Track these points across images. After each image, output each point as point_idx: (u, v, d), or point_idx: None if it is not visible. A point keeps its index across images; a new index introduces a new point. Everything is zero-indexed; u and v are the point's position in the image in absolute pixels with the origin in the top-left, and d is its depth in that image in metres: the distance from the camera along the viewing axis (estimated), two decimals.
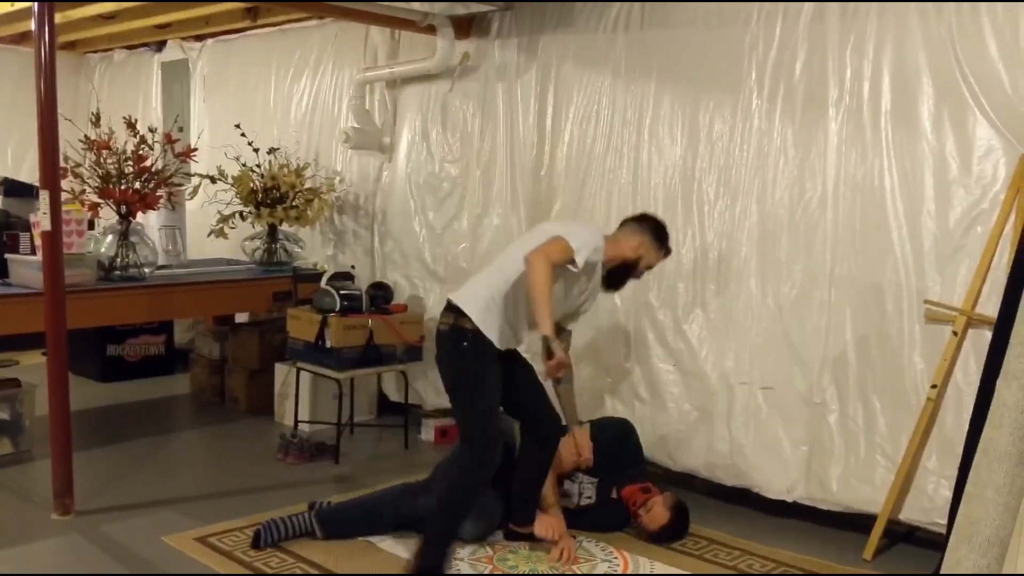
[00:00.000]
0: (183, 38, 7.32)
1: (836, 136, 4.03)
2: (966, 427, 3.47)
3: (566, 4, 4.95)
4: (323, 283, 5.27)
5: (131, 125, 5.06)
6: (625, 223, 3.82)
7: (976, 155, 3.70)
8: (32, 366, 6.50)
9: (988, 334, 3.53)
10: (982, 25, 3.64)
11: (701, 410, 4.45)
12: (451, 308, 3.53)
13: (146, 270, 5.23)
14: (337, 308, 5.07)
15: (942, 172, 3.77)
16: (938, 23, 3.75)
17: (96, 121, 4.98)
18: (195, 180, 5.80)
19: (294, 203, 5.88)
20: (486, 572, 3.66)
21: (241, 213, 5.90)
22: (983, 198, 3.69)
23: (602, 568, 3.73)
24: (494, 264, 3.71)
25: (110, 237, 5.19)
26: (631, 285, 4.64)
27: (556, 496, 3.99)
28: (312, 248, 6.30)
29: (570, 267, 3.45)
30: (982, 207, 3.69)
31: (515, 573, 3.66)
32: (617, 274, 3.73)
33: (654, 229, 3.75)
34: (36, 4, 3.91)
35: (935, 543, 3.72)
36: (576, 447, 4.16)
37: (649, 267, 3.78)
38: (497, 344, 3.48)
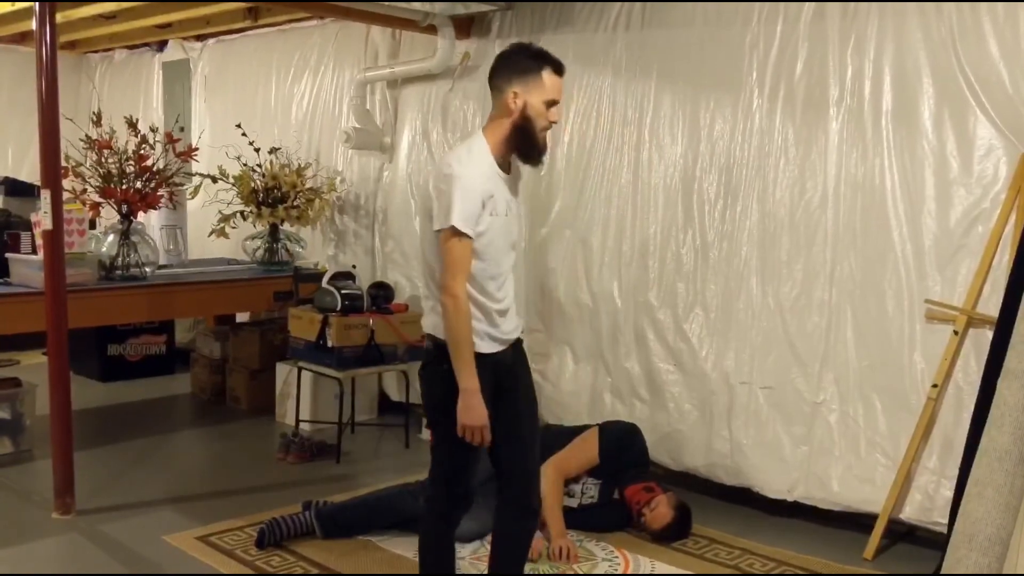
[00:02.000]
0: (184, 38, 7.33)
1: (837, 136, 4.03)
2: (967, 426, 3.48)
3: (566, 4, 4.95)
4: (324, 283, 5.27)
5: (132, 125, 5.07)
6: (492, 91, 2.92)
7: (977, 155, 3.71)
8: (32, 366, 6.50)
9: (989, 334, 3.54)
10: (983, 25, 3.64)
11: (701, 410, 4.45)
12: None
13: (147, 269, 5.23)
14: (338, 308, 5.08)
15: (943, 172, 3.78)
16: (939, 23, 3.75)
17: (97, 121, 4.99)
18: (196, 180, 5.80)
19: (295, 203, 5.88)
20: (487, 572, 3.65)
21: (242, 213, 5.91)
22: (984, 198, 3.69)
23: (603, 567, 3.73)
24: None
25: (111, 236, 5.19)
26: (631, 286, 4.66)
27: (561, 525, 3.92)
28: (313, 248, 6.31)
29: (479, 243, 2.79)
30: (983, 207, 3.69)
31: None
32: (522, 145, 2.83)
33: (515, 61, 2.84)
34: (37, 4, 3.91)
35: (936, 542, 3.72)
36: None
37: (551, 104, 2.80)
38: (481, 350, 2.85)
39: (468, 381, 2.73)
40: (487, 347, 2.84)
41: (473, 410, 2.74)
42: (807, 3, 4.11)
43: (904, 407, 3.87)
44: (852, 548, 3.92)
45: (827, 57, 4.04)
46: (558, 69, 2.82)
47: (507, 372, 2.92)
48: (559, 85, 2.82)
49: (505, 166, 2.86)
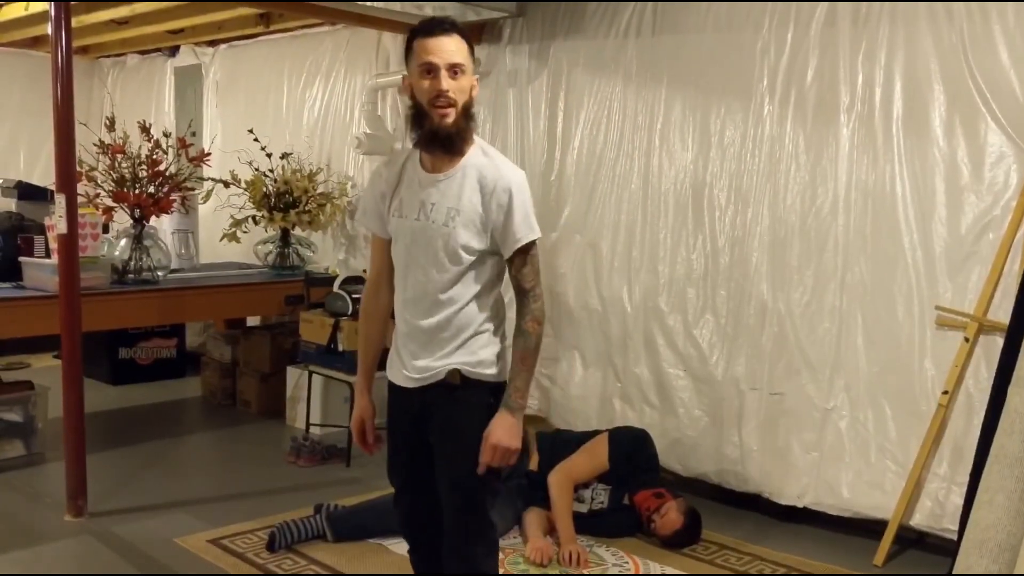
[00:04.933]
0: (196, 43, 7.36)
1: (847, 142, 4.04)
2: (977, 433, 3.46)
3: (576, 11, 4.97)
4: (335, 287, 5.29)
5: (145, 130, 5.10)
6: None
7: (988, 161, 3.71)
8: (43, 368, 6.54)
9: (1000, 340, 3.53)
10: (993, 32, 3.64)
11: (711, 415, 4.45)
12: None
13: (159, 273, 5.26)
14: (349, 312, 5.09)
15: (953, 178, 3.78)
16: (949, 30, 3.75)
17: (111, 125, 5.02)
18: (208, 184, 5.83)
19: (306, 207, 5.91)
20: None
21: (254, 217, 5.94)
22: (995, 205, 3.69)
23: (613, 572, 3.74)
24: None
25: (124, 241, 5.22)
26: (641, 291, 4.67)
27: (570, 531, 3.92)
28: (324, 252, 6.33)
29: (376, 233, 2.61)
30: (994, 213, 3.69)
31: (526, 574, 3.68)
32: (417, 126, 2.44)
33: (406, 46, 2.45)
34: (52, 7, 3.94)
35: (946, 549, 3.71)
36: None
37: (427, 69, 2.36)
38: (392, 378, 2.61)
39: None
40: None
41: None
42: (818, 10, 4.11)
43: (914, 413, 3.86)
44: (862, 555, 3.91)
45: (838, 64, 4.05)
46: (430, 30, 2.37)
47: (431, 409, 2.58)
48: (431, 45, 2.35)
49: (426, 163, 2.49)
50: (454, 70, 2.37)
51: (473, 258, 2.45)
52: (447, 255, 2.43)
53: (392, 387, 2.61)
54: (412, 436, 2.58)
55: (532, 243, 2.47)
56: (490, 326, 2.54)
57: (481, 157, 2.47)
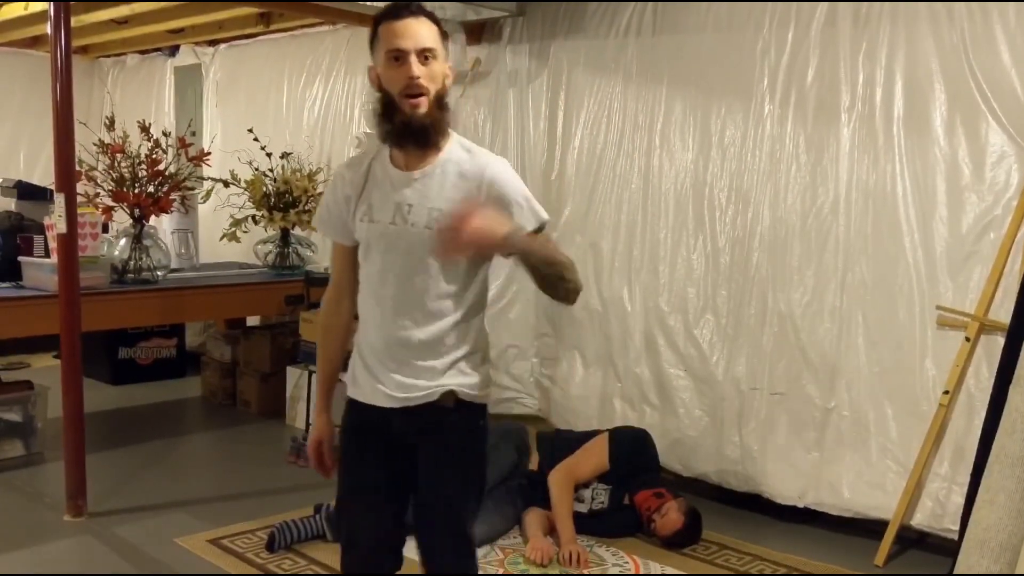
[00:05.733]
0: (196, 43, 7.36)
1: (848, 142, 4.03)
2: (978, 433, 3.46)
3: (577, 11, 4.96)
4: None
5: (145, 129, 5.09)
6: None
7: (989, 161, 3.70)
8: (43, 368, 6.54)
9: (1001, 340, 3.52)
10: (994, 31, 3.64)
11: (712, 415, 4.45)
12: None
13: (159, 273, 5.25)
14: None
15: (954, 178, 3.77)
16: (950, 29, 3.75)
17: (110, 125, 5.01)
18: (208, 184, 5.82)
19: (306, 207, 5.90)
20: (499, 573, 3.66)
21: (253, 217, 5.93)
22: (996, 204, 3.69)
23: (613, 572, 3.73)
24: None
25: (123, 240, 5.21)
26: (642, 291, 4.66)
27: (571, 531, 3.91)
28: (324, 252, 6.31)
29: (339, 240, 2.38)
30: (995, 213, 3.69)
31: (527, 574, 3.68)
32: (387, 119, 2.21)
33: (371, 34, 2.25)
34: (52, 6, 3.94)
35: (947, 549, 3.71)
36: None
37: (394, 55, 2.16)
38: (358, 396, 2.39)
39: None
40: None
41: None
42: (818, 10, 4.11)
43: (915, 413, 3.86)
44: (863, 555, 3.91)
45: (838, 63, 4.05)
46: (396, 14, 2.18)
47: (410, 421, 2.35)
48: (398, 29, 2.16)
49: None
50: (425, 55, 2.16)
51: (460, 264, 2.24)
52: (434, 261, 2.21)
53: (358, 406, 2.36)
54: (382, 458, 2.34)
55: (542, 226, 2.26)
56: (481, 343, 2.34)
57: (460, 152, 2.26)
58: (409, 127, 2.17)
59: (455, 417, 2.29)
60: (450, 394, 2.26)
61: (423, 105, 2.16)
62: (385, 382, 2.28)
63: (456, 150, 2.26)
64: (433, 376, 2.25)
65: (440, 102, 2.20)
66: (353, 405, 2.39)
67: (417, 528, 2.37)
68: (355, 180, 2.30)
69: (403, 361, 2.26)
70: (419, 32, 2.17)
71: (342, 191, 2.32)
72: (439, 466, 2.32)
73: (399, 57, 2.15)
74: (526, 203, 2.25)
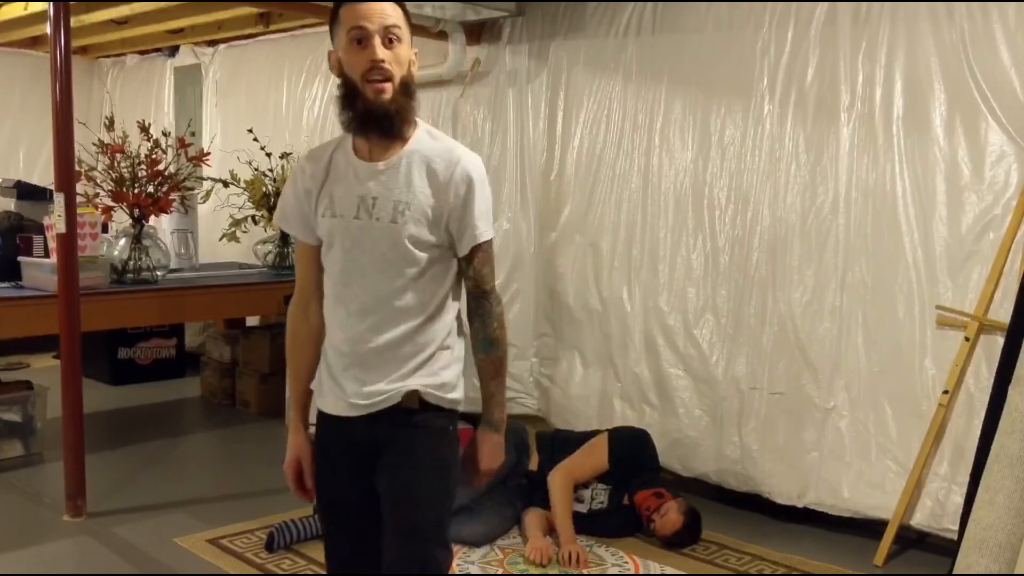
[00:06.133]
0: (196, 43, 7.36)
1: (848, 141, 4.03)
2: (977, 433, 3.46)
3: (576, 10, 4.96)
4: None
5: (144, 129, 5.09)
6: None
7: (988, 161, 3.70)
8: (42, 369, 6.54)
9: (1000, 340, 3.52)
10: (994, 31, 3.64)
11: (712, 415, 4.44)
12: None
13: (158, 273, 5.25)
14: None
15: (954, 178, 3.77)
16: (950, 29, 3.75)
17: (110, 125, 5.01)
18: (207, 184, 5.82)
19: None
20: (498, 573, 3.66)
21: (253, 217, 5.92)
22: (995, 204, 3.69)
23: (613, 572, 3.73)
24: None
25: (123, 240, 5.21)
26: (642, 291, 4.66)
27: (570, 531, 3.91)
28: None
29: (301, 238, 2.26)
30: (994, 213, 3.69)
31: (526, 574, 3.68)
32: (349, 106, 2.08)
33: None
34: (52, 6, 3.94)
35: (946, 549, 3.70)
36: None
37: (357, 37, 2.02)
38: (323, 407, 2.26)
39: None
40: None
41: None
42: (818, 10, 4.11)
43: (915, 413, 3.86)
44: (862, 554, 3.91)
45: (838, 63, 4.04)
46: None
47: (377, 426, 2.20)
48: (360, 9, 2.02)
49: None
50: (389, 36, 2.02)
51: (427, 256, 2.10)
52: (399, 255, 2.08)
53: (326, 419, 2.23)
54: (354, 471, 2.19)
55: (489, 240, 2.16)
56: (453, 341, 2.19)
57: (429, 141, 2.12)
58: (372, 114, 2.04)
59: (419, 419, 2.14)
60: (414, 394, 2.12)
61: (387, 91, 2.03)
62: (348, 389, 2.14)
63: (424, 139, 2.13)
64: (398, 379, 2.11)
65: (406, 88, 2.06)
66: (321, 417, 2.25)
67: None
68: (316, 173, 2.16)
69: (368, 364, 2.12)
70: (383, 11, 2.03)
71: (302, 184, 2.18)
72: (397, 474, 2.14)
73: (361, 39, 2.02)
74: (484, 212, 2.13)
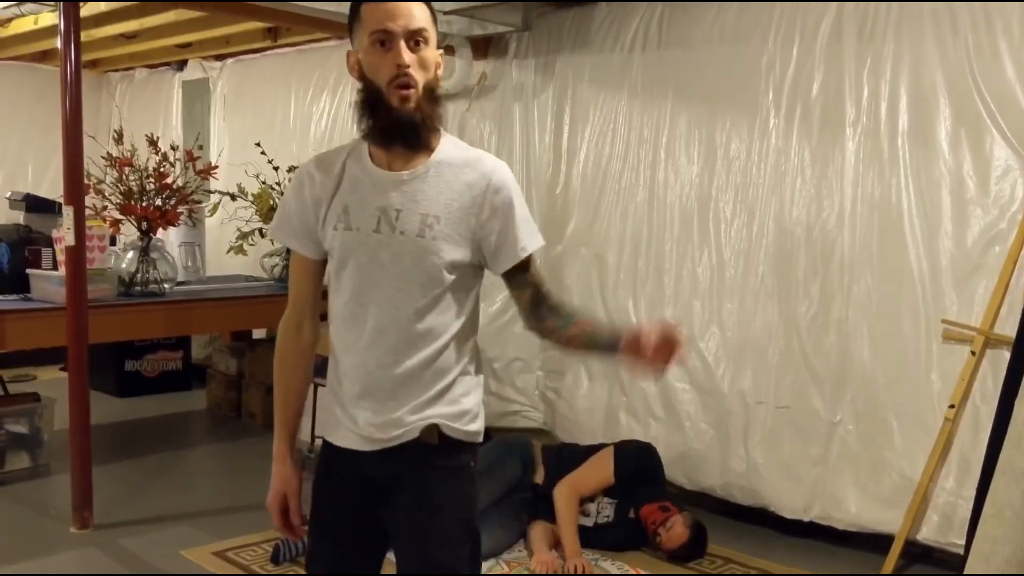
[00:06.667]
0: (204, 57, 7.40)
1: (853, 156, 4.04)
2: (984, 447, 3.46)
3: (583, 25, 4.98)
4: None
5: (153, 143, 5.11)
6: None
7: (994, 175, 3.71)
8: (49, 381, 6.55)
9: (1006, 354, 3.52)
10: (999, 45, 3.65)
11: (717, 429, 4.44)
12: None
13: (166, 286, 5.26)
14: None
15: (959, 192, 3.78)
16: (954, 43, 3.76)
17: (119, 138, 5.04)
18: (215, 197, 5.84)
19: None
20: None
21: (260, 230, 5.94)
22: (1001, 218, 3.69)
23: None
24: None
25: (131, 253, 5.22)
26: (647, 304, 4.67)
27: (576, 544, 3.92)
28: None
29: (306, 253, 2.05)
30: (1000, 227, 3.69)
31: None
32: (370, 114, 1.95)
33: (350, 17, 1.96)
34: (62, 7, 3.97)
35: (953, 563, 3.70)
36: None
37: (380, 38, 1.87)
38: (332, 439, 2.07)
39: None
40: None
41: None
42: (823, 24, 4.12)
43: (921, 427, 3.85)
44: (868, 569, 3.90)
45: (843, 78, 4.06)
46: None
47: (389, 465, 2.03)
48: (385, 7, 1.86)
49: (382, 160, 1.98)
50: (415, 39, 1.87)
51: (453, 275, 1.93)
52: (423, 272, 1.91)
53: (333, 450, 2.04)
54: (360, 513, 2.03)
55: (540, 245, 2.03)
56: (473, 367, 2.03)
57: (455, 150, 1.97)
58: (398, 123, 1.89)
59: (438, 457, 1.97)
60: (433, 429, 1.95)
61: (411, 98, 1.87)
62: (360, 420, 1.96)
63: (450, 148, 1.97)
64: (417, 408, 1.94)
65: (431, 94, 1.91)
66: (326, 447, 2.08)
67: None
68: (326, 181, 1.98)
69: (384, 393, 1.94)
70: (410, 11, 1.86)
71: (310, 193, 1.99)
72: (417, 519, 1.98)
73: (385, 41, 1.86)
74: (526, 222, 1.99)
